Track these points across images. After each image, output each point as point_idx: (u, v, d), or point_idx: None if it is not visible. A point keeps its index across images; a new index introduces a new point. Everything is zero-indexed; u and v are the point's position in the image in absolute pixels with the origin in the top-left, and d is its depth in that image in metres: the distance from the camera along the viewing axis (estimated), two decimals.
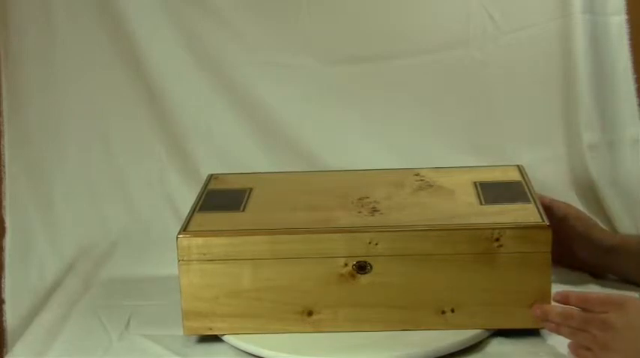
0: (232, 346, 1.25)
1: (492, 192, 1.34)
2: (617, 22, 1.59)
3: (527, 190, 1.34)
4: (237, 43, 1.65)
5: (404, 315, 1.24)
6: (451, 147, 1.64)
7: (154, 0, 1.62)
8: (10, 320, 1.40)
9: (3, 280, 1.46)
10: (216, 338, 1.26)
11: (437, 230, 1.23)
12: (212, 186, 1.42)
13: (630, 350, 1.11)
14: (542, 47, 1.63)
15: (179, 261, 1.24)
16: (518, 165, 1.43)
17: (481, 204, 1.31)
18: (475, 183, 1.37)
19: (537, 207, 1.27)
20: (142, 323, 1.32)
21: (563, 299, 1.20)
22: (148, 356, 1.25)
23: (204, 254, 1.23)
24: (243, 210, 1.32)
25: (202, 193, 1.39)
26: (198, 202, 1.36)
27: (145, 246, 1.58)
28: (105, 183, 1.65)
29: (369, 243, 1.22)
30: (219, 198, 1.37)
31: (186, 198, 1.55)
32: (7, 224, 1.50)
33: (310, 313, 1.25)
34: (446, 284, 1.23)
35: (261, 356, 1.23)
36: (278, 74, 1.66)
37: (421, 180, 1.40)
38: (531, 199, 1.31)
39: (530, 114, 1.65)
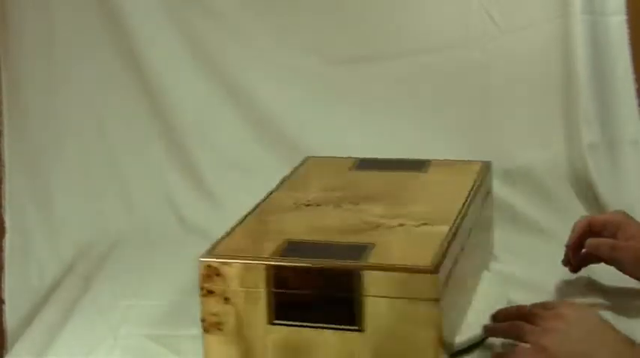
0: None
1: None
2: (617, 22, 1.59)
3: None
4: (237, 43, 1.65)
5: None
6: (451, 147, 1.64)
7: (154, 0, 1.63)
8: (10, 320, 1.40)
9: (3, 280, 1.46)
10: None
11: None
12: None
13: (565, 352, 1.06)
14: (542, 47, 1.64)
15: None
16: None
17: None
18: None
19: None
20: (142, 323, 1.32)
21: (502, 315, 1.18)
22: (148, 356, 1.25)
23: None
24: None
25: None
26: None
27: (145, 246, 1.58)
28: (104, 183, 1.65)
29: None
30: None
31: (186, 197, 1.55)
32: (7, 224, 1.51)
33: None
34: None
35: None
36: (278, 74, 1.66)
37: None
38: None
39: (530, 114, 1.65)
